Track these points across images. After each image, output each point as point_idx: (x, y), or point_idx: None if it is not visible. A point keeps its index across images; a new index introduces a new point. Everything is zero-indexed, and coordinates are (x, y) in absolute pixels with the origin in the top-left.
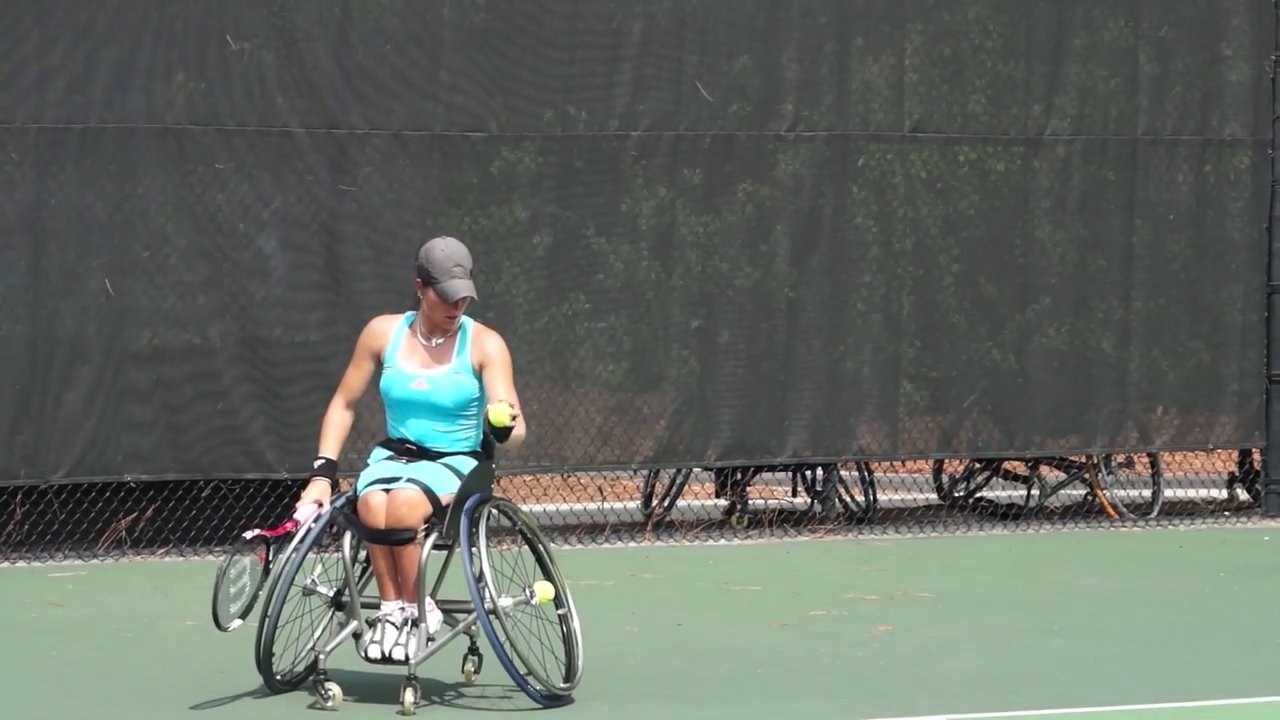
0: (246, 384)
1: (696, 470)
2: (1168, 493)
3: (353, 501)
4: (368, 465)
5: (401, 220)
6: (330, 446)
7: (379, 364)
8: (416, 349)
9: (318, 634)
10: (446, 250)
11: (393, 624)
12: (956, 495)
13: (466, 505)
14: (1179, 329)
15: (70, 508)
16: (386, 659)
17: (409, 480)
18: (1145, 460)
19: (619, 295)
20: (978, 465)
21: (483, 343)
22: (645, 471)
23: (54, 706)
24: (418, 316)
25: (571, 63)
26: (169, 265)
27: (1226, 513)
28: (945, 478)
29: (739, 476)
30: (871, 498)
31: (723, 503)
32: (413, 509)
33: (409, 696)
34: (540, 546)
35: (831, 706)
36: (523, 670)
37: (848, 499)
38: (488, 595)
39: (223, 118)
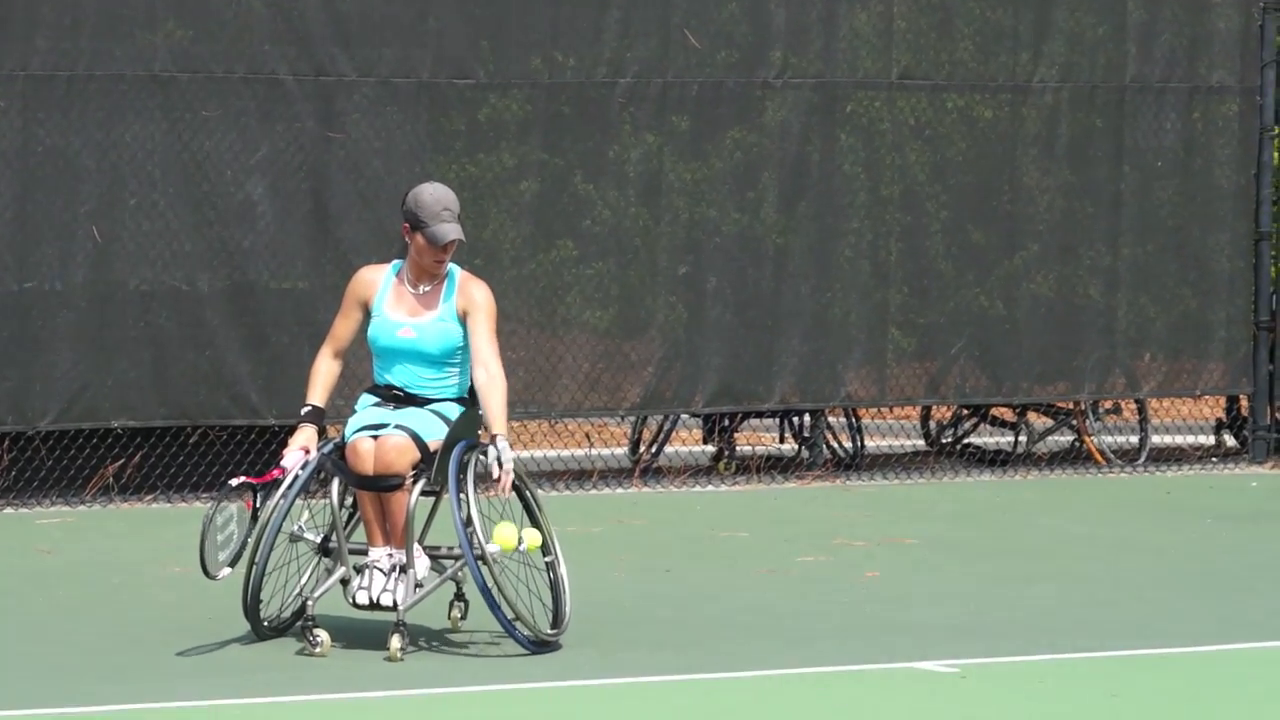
0: (234, 330)
1: (684, 416)
2: (1155, 439)
3: (341, 448)
4: (355, 412)
5: (389, 167)
6: (317, 394)
7: (367, 313)
8: (404, 297)
9: (304, 580)
10: (435, 194)
11: (380, 570)
12: (944, 442)
13: (454, 451)
14: (1166, 276)
15: (57, 454)
16: (375, 605)
17: (397, 426)
18: (1132, 406)
19: (606, 242)
20: (965, 412)
21: (469, 290)
22: (632, 418)
23: (41, 653)
24: (405, 264)
25: (559, 9)
26: (156, 212)
27: (1214, 459)
28: (933, 424)
29: (726, 423)
30: (859, 444)
31: (710, 449)
32: (401, 455)
33: (396, 643)
34: (527, 493)
35: (818, 652)
36: (510, 616)
37: (835, 445)
38: (476, 541)
39: (210, 65)
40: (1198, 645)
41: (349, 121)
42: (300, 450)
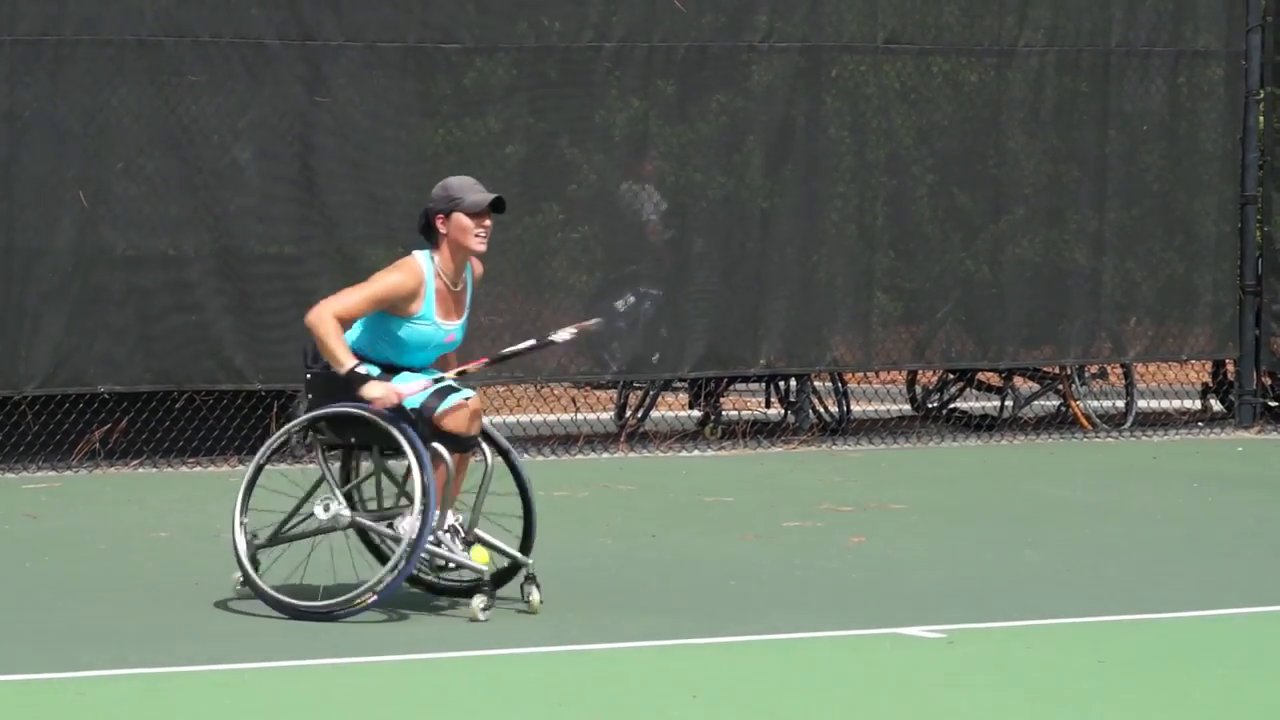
0: (220, 295)
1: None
2: (1141, 403)
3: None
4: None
5: (376, 131)
6: (350, 354)
7: (400, 309)
8: (445, 299)
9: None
10: (459, 178)
11: (455, 532)
12: (930, 406)
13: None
14: (1152, 240)
15: (44, 419)
16: (463, 566)
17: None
18: (1118, 371)
19: (592, 205)
20: (951, 376)
21: (475, 270)
22: (619, 382)
23: (27, 618)
24: (437, 262)
25: None
26: (143, 176)
27: (1200, 423)
28: (919, 389)
29: (712, 387)
30: (845, 409)
31: (696, 414)
32: (480, 418)
33: (481, 603)
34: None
35: (804, 618)
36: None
37: (821, 410)
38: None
39: (197, 29)
40: (1184, 610)
41: (336, 86)
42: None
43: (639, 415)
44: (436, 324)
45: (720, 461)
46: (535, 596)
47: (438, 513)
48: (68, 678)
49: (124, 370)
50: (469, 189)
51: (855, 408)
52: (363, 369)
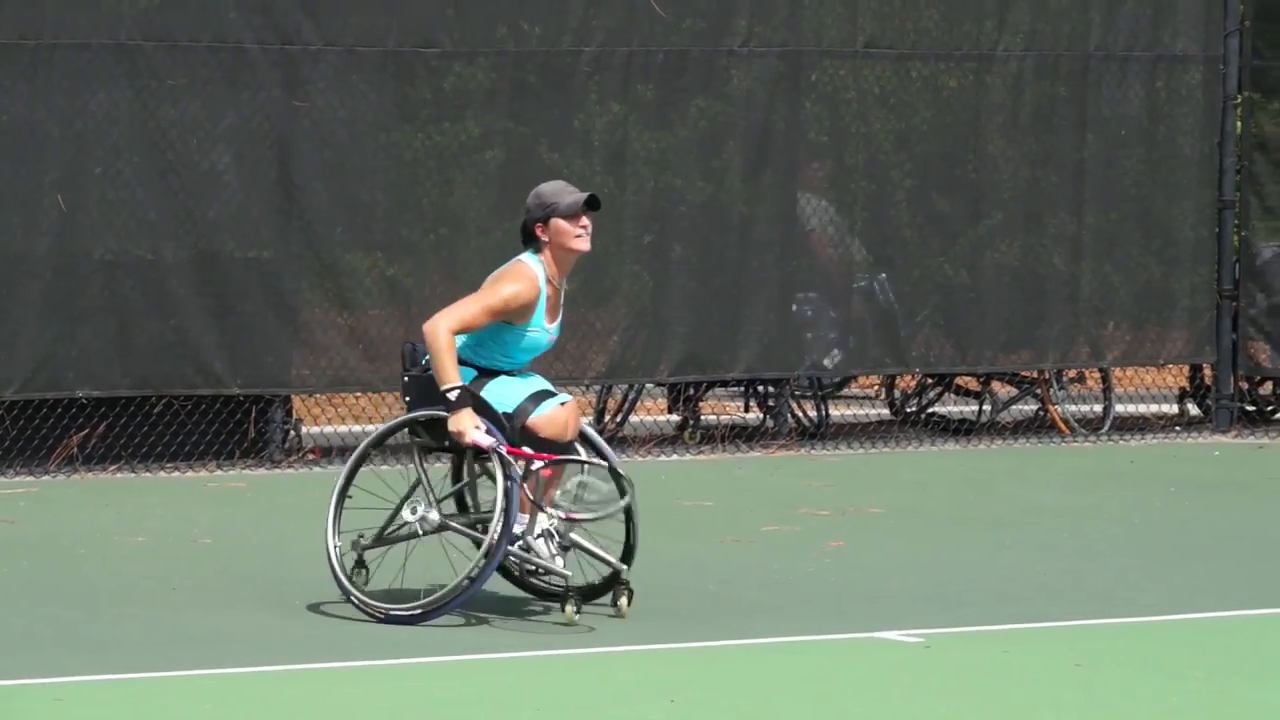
0: (198, 299)
1: (649, 386)
2: (1119, 408)
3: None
4: (482, 390)
5: (355, 136)
6: (457, 375)
7: (513, 318)
8: (552, 303)
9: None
10: (551, 184)
11: (549, 536)
12: (908, 411)
13: None
14: (1130, 244)
15: (21, 424)
16: (550, 572)
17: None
18: (1097, 375)
19: None
20: (929, 381)
21: None
22: (598, 387)
23: (6, 623)
24: (546, 267)
25: None
26: (121, 181)
27: (1177, 428)
28: (897, 393)
29: (691, 392)
30: (823, 413)
31: (675, 418)
32: (578, 423)
33: (572, 609)
34: None
35: (783, 622)
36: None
37: (800, 414)
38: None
39: (176, 33)
40: (1161, 614)
41: (314, 90)
42: (484, 432)
43: (618, 419)
44: (544, 329)
45: (699, 466)
46: (624, 603)
47: (526, 518)
48: (45, 683)
49: (102, 375)
50: (562, 192)
51: (833, 412)
52: (454, 394)
